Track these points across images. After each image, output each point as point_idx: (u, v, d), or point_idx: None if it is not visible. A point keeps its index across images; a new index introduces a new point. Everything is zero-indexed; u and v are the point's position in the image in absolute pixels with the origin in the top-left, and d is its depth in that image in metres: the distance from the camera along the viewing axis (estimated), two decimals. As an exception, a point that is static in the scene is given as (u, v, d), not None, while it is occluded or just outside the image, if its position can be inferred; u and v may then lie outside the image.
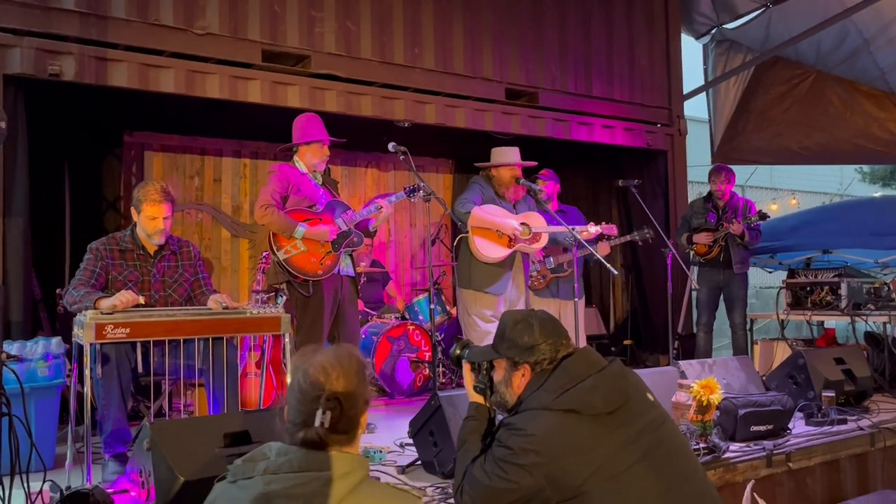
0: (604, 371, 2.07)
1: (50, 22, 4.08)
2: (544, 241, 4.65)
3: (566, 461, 1.92)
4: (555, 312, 5.41)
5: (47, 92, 4.36)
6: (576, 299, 4.80)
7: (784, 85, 7.66)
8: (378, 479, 1.67)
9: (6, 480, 2.30)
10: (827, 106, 7.64)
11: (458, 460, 2.22)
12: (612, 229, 5.08)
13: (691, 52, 7.47)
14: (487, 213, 4.48)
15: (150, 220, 3.44)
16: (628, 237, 5.41)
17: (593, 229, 4.84)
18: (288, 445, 1.59)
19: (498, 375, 2.24)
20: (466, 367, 2.38)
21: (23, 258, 4.13)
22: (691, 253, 6.00)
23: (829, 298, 5.57)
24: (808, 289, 5.73)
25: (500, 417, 2.30)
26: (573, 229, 4.57)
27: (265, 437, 2.62)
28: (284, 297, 3.93)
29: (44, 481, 2.56)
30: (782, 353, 5.76)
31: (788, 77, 7.65)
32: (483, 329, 4.46)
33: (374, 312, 6.02)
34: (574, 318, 4.77)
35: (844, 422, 3.86)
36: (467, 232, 4.47)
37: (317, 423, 1.55)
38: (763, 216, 5.56)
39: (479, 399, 2.33)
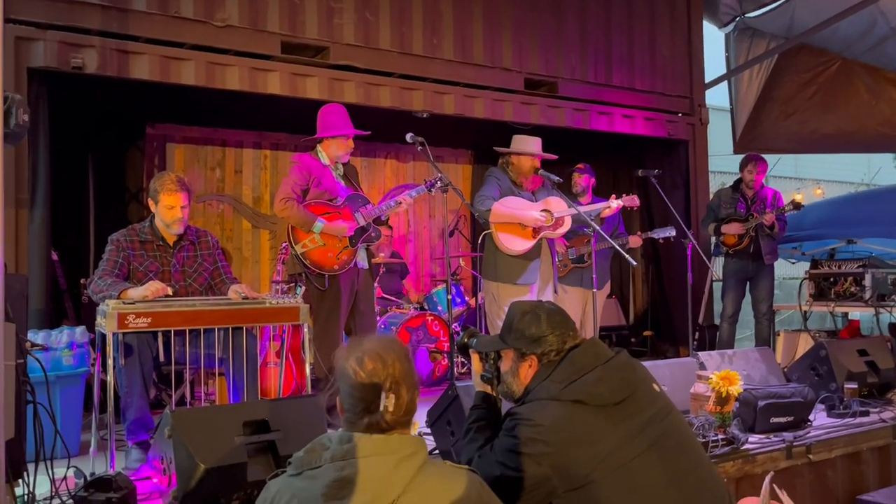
0: (610, 362, 2.08)
1: (73, 15, 4.12)
2: (568, 224, 4.63)
3: (573, 451, 1.92)
4: (581, 300, 5.42)
5: (70, 85, 4.41)
6: (594, 290, 4.79)
7: (809, 72, 7.54)
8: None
9: (31, 467, 2.35)
10: (853, 94, 7.51)
11: (463, 449, 2.23)
12: (634, 200, 5.05)
13: (712, 40, 7.37)
14: (508, 207, 4.47)
15: (168, 209, 3.48)
16: (657, 235, 5.41)
17: (615, 203, 4.84)
18: (350, 433, 1.62)
19: (505, 365, 2.25)
20: (474, 357, 2.39)
21: (45, 248, 4.20)
22: (713, 243, 5.94)
23: (853, 289, 5.49)
24: (832, 279, 5.66)
25: (506, 406, 2.31)
26: (596, 210, 4.58)
27: (284, 426, 2.66)
28: (304, 288, 3.96)
29: (68, 467, 2.62)
30: (805, 344, 5.70)
31: (813, 64, 7.53)
32: None
33: (395, 301, 6.05)
34: (594, 307, 4.76)
35: (867, 414, 3.82)
36: (490, 228, 4.47)
37: (381, 408, 1.60)
38: (797, 206, 5.49)
39: (486, 388, 2.34)
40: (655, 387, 2.12)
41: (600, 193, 6.58)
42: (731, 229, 5.66)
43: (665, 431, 2.00)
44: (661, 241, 5.51)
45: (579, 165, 5.51)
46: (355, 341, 1.73)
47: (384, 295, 6.01)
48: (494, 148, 4.76)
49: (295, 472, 1.59)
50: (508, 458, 1.98)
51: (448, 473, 1.62)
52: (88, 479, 2.47)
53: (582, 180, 5.47)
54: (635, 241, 5.32)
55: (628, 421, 1.97)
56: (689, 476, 1.97)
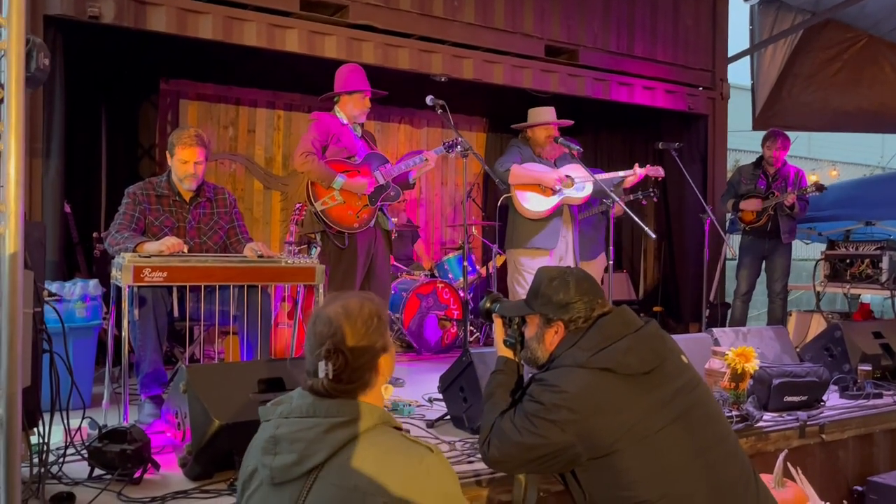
0: (640, 331, 2.04)
1: (90, -37, 4.04)
2: (589, 189, 4.61)
3: (599, 419, 1.90)
4: (597, 272, 5.39)
5: (86, 35, 4.34)
6: (577, 261, 4.76)
7: (833, 48, 7.38)
8: (402, 429, 1.65)
9: (46, 416, 2.35)
10: (877, 72, 7.38)
11: (485, 413, 2.22)
12: (659, 170, 4.98)
13: (736, 13, 7.21)
14: (527, 169, 4.49)
15: (182, 163, 3.44)
16: (639, 195, 5.28)
17: (640, 170, 4.80)
18: (304, 392, 1.61)
19: (530, 331, 2.22)
20: (497, 321, 2.36)
21: (59, 199, 4.18)
22: (729, 220, 5.88)
23: (869, 271, 5.44)
24: (848, 261, 5.60)
25: (527, 373, 2.28)
26: (619, 176, 4.54)
27: (297, 385, 2.64)
28: (318, 249, 3.94)
29: (83, 418, 2.62)
30: (817, 325, 5.67)
31: (839, 40, 7.37)
32: None
33: (403, 268, 6.02)
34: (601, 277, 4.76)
35: (880, 396, 3.80)
36: (509, 192, 4.45)
37: (321, 374, 1.56)
38: (820, 188, 5.41)
39: (509, 353, 2.31)
40: (683, 358, 2.09)
41: (617, 165, 6.48)
42: (750, 205, 5.59)
43: (693, 403, 1.98)
44: (643, 201, 5.36)
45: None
46: (329, 298, 1.68)
47: (395, 261, 5.98)
48: (512, 126, 4.73)
49: (261, 419, 1.64)
50: (532, 424, 1.96)
51: (392, 447, 1.53)
52: (103, 430, 2.46)
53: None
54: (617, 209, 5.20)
55: (656, 391, 1.94)
56: (715, 449, 1.95)
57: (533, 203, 4.46)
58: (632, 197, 5.41)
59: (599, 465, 1.91)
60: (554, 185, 4.47)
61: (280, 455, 1.53)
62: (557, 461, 1.96)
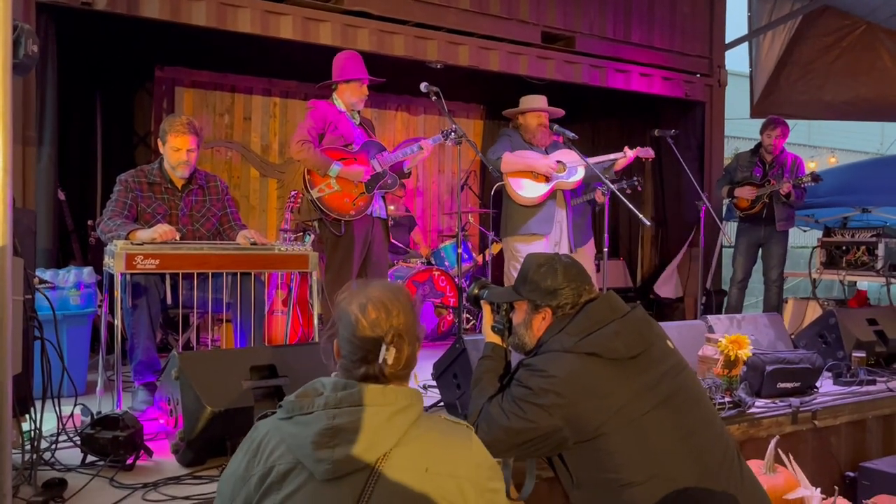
0: (627, 316, 2.05)
1: (82, -51, 4.01)
2: (581, 174, 4.62)
3: (586, 403, 1.91)
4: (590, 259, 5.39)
5: (80, 22, 4.31)
6: (572, 249, 4.75)
7: (831, 36, 7.35)
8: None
9: (38, 403, 2.35)
10: (875, 60, 7.33)
11: (472, 398, 2.23)
12: (648, 151, 4.96)
13: (732, 3, 7.17)
14: (519, 156, 4.51)
15: (175, 151, 3.43)
16: (623, 185, 5.18)
17: (630, 153, 4.79)
18: (345, 380, 1.56)
19: (518, 317, 2.22)
20: (485, 307, 2.37)
21: (52, 187, 4.17)
22: (725, 207, 5.87)
23: (864, 258, 5.44)
24: (844, 248, 5.60)
25: (515, 358, 2.29)
26: (609, 160, 4.55)
27: (291, 372, 2.65)
28: (312, 237, 3.94)
29: (75, 405, 2.62)
30: (813, 312, 5.68)
31: (836, 28, 7.33)
32: None
33: (399, 256, 6.02)
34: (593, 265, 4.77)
35: (873, 382, 3.81)
36: (502, 180, 4.45)
37: (380, 360, 1.54)
38: (816, 178, 5.39)
39: (497, 339, 2.32)
40: (669, 343, 2.10)
41: (611, 151, 6.46)
42: (744, 193, 5.58)
43: (678, 388, 1.99)
44: (627, 190, 5.26)
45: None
46: (361, 285, 1.65)
47: (392, 248, 5.98)
48: (504, 112, 4.73)
49: (285, 416, 1.53)
50: (520, 408, 1.97)
51: (444, 428, 1.56)
52: (95, 417, 2.47)
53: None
54: (599, 196, 5.16)
55: (642, 375, 1.95)
56: (700, 433, 1.96)
57: (527, 190, 4.47)
58: (615, 187, 5.35)
59: (587, 448, 1.92)
60: (547, 171, 4.48)
61: (341, 446, 1.46)
62: (545, 445, 1.97)
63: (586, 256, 5.28)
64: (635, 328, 2.02)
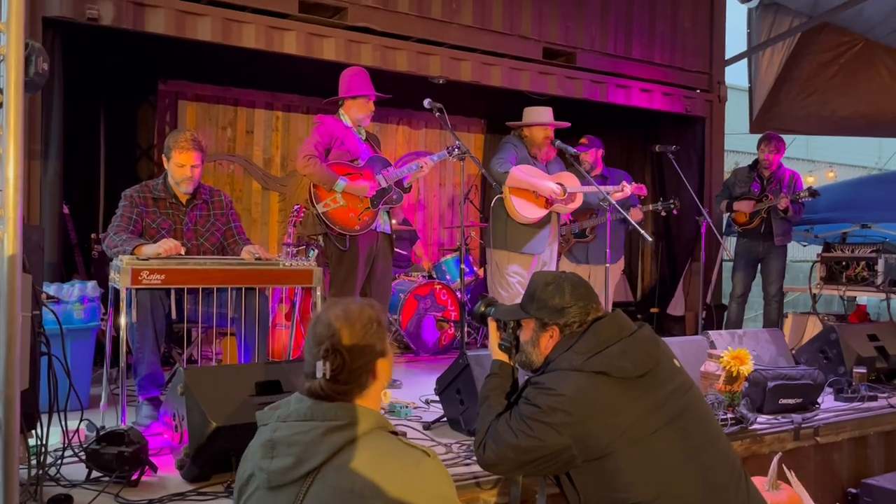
0: (634, 335, 2.07)
1: (88, -35, 4.05)
2: (579, 201, 4.63)
3: (594, 422, 1.92)
4: (585, 276, 5.40)
5: (84, 36, 4.35)
6: (607, 265, 4.76)
7: (830, 52, 7.40)
8: (398, 433, 1.65)
9: (44, 418, 2.36)
10: (874, 76, 7.39)
11: (480, 416, 2.24)
12: (642, 189, 5.02)
13: (733, 16, 7.23)
14: (525, 174, 4.47)
15: (179, 167, 3.45)
16: (658, 206, 5.33)
17: (628, 188, 4.81)
18: (302, 395, 1.62)
19: (525, 335, 2.23)
20: (492, 325, 2.38)
21: (57, 201, 4.18)
22: (725, 222, 5.89)
23: (864, 274, 5.46)
24: (844, 263, 5.62)
25: (521, 375, 2.30)
26: (606, 191, 4.55)
27: (296, 388, 2.66)
28: (316, 252, 3.96)
29: (80, 420, 2.63)
30: (813, 327, 5.69)
31: (835, 44, 7.39)
32: (516, 290, 4.46)
33: (401, 269, 6.04)
34: (604, 282, 4.74)
35: (875, 398, 3.82)
36: (502, 193, 4.44)
37: (318, 374, 1.57)
38: (814, 193, 5.42)
39: (503, 357, 2.34)
40: (676, 362, 2.11)
41: (613, 167, 6.49)
42: (742, 206, 5.61)
43: (685, 406, 2.00)
44: (662, 213, 5.41)
45: (583, 140, 5.39)
46: (330, 303, 1.70)
47: (393, 262, 5.99)
48: (507, 123, 4.73)
49: (259, 423, 1.65)
50: (528, 427, 1.97)
51: (389, 450, 1.55)
52: (100, 432, 2.47)
53: (588, 157, 5.34)
54: (636, 214, 5.22)
55: (650, 394, 1.97)
56: (706, 452, 1.97)
57: (526, 210, 4.45)
58: (651, 207, 5.44)
59: (594, 467, 1.93)
60: (550, 195, 4.45)
61: (277, 458, 1.54)
62: (553, 463, 1.98)
63: (616, 272, 5.36)
64: (642, 347, 2.04)
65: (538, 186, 4.45)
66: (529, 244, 4.49)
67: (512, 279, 4.48)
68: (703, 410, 2.07)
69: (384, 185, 4.09)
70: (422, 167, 4.15)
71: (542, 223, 4.53)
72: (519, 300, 4.61)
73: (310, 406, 1.57)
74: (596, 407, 1.93)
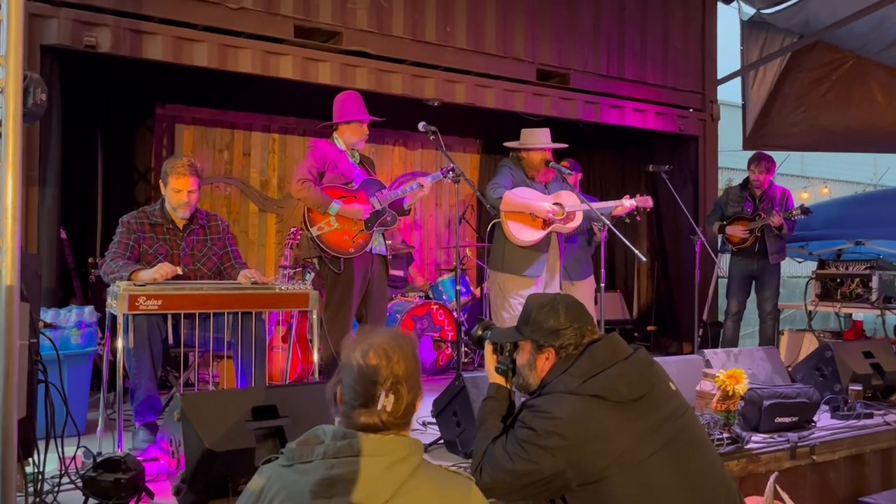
0: (630, 359, 2.07)
1: (87, -7, 4.10)
2: (579, 219, 4.60)
3: (590, 446, 1.93)
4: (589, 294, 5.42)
5: (82, 62, 4.40)
6: (571, 282, 4.75)
7: (822, 69, 7.47)
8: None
9: (41, 444, 2.36)
10: (866, 93, 7.46)
11: (477, 440, 2.24)
12: (648, 201, 4.97)
13: (725, 33, 7.32)
14: (519, 197, 4.43)
15: (176, 192, 3.48)
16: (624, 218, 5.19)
17: (628, 203, 4.79)
18: (344, 429, 1.57)
19: (522, 358, 2.24)
20: (488, 348, 2.39)
21: (55, 227, 4.21)
22: (720, 240, 5.93)
23: (859, 291, 5.49)
24: (839, 280, 5.65)
25: (518, 398, 2.31)
26: (609, 207, 4.59)
27: (293, 412, 2.67)
28: (312, 274, 3.98)
29: (77, 447, 2.63)
30: (809, 344, 5.71)
31: (827, 61, 7.46)
32: (518, 312, 4.43)
33: (399, 288, 6.05)
34: (594, 300, 4.75)
35: (871, 416, 3.82)
36: (499, 217, 4.44)
37: (379, 407, 1.55)
38: (806, 211, 5.46)
39: (500, 380, 2.34)
40: (672, 385, 2.12)
41: (608, 187, 6.56)
42: (735, 231, 5.64)
43: (680, 431, 2.01)
44: (626, 219, 5.25)
45: (564, 164, 5.42)
46: (364, 332, 1.69)
47: (390, 282, 6.01)
48: (505, 144, 4.73)
49: (286, 463, 1.55)
50: (524, 450, 1.98)
51: (442, 479, 1.56)
52: (97, 458, 2.48)
53: (570, 179, 5.36)
54: (597, 231, 5.22)
55: (645, 418, 1.97)
56: (701, 476, 1.97)
57: (523, 233, 4.43)
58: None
59: (589, 492, 1.94)
60: (545, 215, 4.43)
61: (338, 497, 1.47)
62: (548, 488, 1.99)
63: (586, 290, 5.28)
64: (637, 370, 2.04)
65: (533, 208, 4.43)
66: (530, 267, 4.47)
67: (514, 301, 4.47)
68: (697, 435, 2.08)
69: (378, 207, 4.12)
70: (422, 186, 4.18)
71: (541, 246, 4.51)
72: None
73: (365, 440, 1.53)
74: (591, 430, 1.94)
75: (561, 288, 4.72)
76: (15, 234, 2.00)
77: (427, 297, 5.98)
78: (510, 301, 4.47)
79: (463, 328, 5.61)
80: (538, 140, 4.58)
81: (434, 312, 5.62)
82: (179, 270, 3.29)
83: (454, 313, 5.41)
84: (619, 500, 1.90)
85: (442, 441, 3.27)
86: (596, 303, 5.46)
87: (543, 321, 2.16)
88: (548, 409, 2.01)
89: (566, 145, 4.77)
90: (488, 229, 4.66)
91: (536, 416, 2.02)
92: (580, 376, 2.02)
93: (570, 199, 4.57)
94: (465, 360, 5.88)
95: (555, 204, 4.50)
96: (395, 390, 1.57)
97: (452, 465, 2.92)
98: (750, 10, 7.46)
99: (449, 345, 5.59)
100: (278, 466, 1.57)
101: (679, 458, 1.96)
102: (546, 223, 4.48)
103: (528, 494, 2.05)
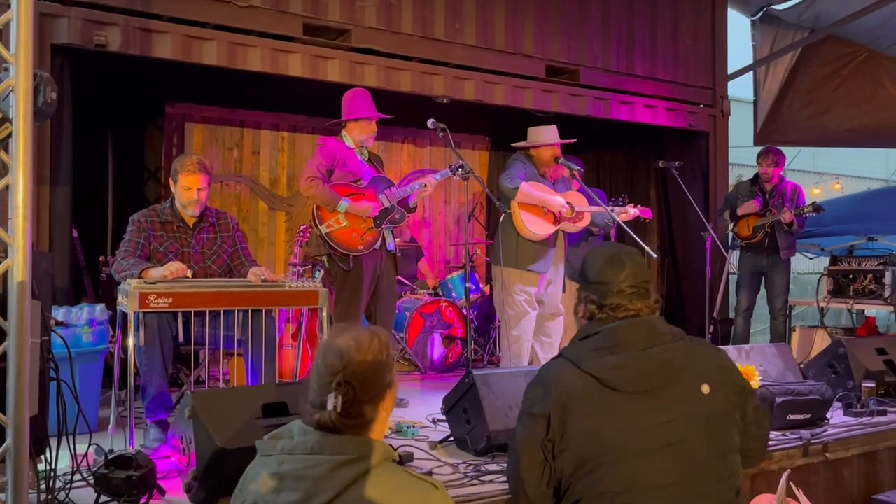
0: (647, 351, 1.95)
1: (96, -8, 4.12)
2: (587, 220, 4.64)
3: (579, 421, 1.88)
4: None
5: (92, 61, 4.41)
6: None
7: (833, 64, 7.42)
8: (400, 459, 1.63)
9: (53, 442, 2.38)
10: (877, 87, 7.40)
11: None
12: (648, 213, 5.01)
13: (736, 30, 7.27)
14: (535, 189, 4.47)
15: (186, 190, 3.49)
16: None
17: (633, 211, 4.81)
18: (304, 426, 1.58)
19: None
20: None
21: (68, 226, 4.23)
22: (731, 236, 5.89)
23: (872, 287, 5.45)
24: (851, 276, 5.61)
25: None
26: (612, 210, 4.56)
27: (302, 409, 2.67)
28: (322, 272, 3.98)
29: (89, 444, 2.64)
30: (821, 341, 5.67)
31: (838, 55, 7.40)
32: (522, 308, 4.47)
33: (408, 285, 6.05)
34: None
35: (884, 413, 3.79)
36: (509, 210, 4.45)
37: (329, 407, 1.52)
38: (818, 209, 5.41)
39: None
40: (704, 388, 1.95)
41: (618, 184, 6.53)
42: (747, 209, 5.58)
43: (692, 437, 1.89)
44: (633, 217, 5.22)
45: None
46: (337, 330, 1.65)
47: (399, 279, 6.02)
48: (513, 144, 4.75)
49: (260, 454, 1.60)
50: (522, 425, 1.98)
51: (398, 484, 1.51)
52: (108, 456, 2.49)
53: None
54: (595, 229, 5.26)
55: (646, 415, 1.89)
56: (697, 491, 1.87)
57: (535, 226, 4.45)
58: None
59: (583, 477, 1.89)
60: (559, 210, 4.46)
61: (285, 493, 1.50)
62: (536, 456, 1.94)
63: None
64: (645, 367, 1.94)
65: (548, 201, 4.47)
66: (537, 263, 4.48)
67: (518, 297, 4.47)
68: (710, 448, 1.91)
69: (387, 204, 4.12)
70: (426, 186, 4.17)
71: (549, 242, 4.53)
72: (525, 319, 4.57)
73: (318, 439, 1.53)
74: (581, 407, 1.88)
75: (565, 287, 4.73)
76: (26, 233, 2.00)
77: (436, 294, 5.98)
78: (514, 297, 4.47)
79: (472, 325, 5.62)
80: (546, 137, 4.60)
81: (443, 310, 5.62)
82: (189, 273, 3.30)
83: (463, 310, 5.41)
84: (601, 486, 1.86)
85: (452, 438, 3.27)
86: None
87: (589, 264, 2.07)
88: (546, 374, 2.00)
89: (574, 140, 4.77)
90: (500, 222, 4.63)
91: (533, 386, 2.01)
92: (591, 350, 1.96)
93: (580, 201, 4.61)
94: (475, 358, 5.88)
95: (567, 203, 4.53)
96: (343, 391, 1.53)
97: (462, 463, 2.93)
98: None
99: (458, 342, 5.59)
100: (258, 458, 1.62)
101: (677, 465, 1.86)
102: (557, 219, 4.49)
103: (537, 472, 1.95)
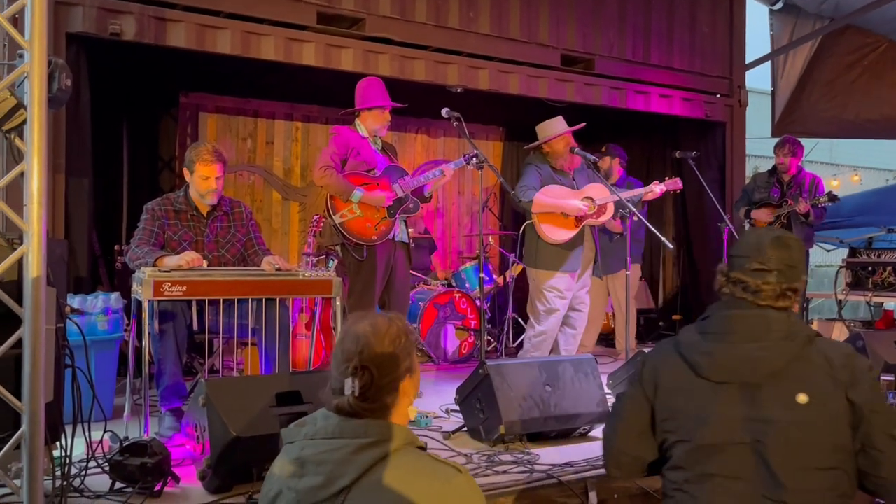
0: (747, 345, 1.84)
1: (111, -19, 4.12)
2: (611, 211, 4.62)
3: (666, 399, 1.93)
4: (602, 291, 5.46)
5: (107, 51, 4.42)
6: (627, 272, 4.72)
7: (853, 54, 7.32)
8: (425, 448, 1.63)
9: (68, 429, 2.39)
10: (897, 78, 7.30)
11: None
12: (677, 183, 4.92)
13: (754, 19, 7.17)
14: (550, 197, 4.47)
15: (203, 179, 3.49)
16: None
17: (658, 188, 4.78)
18: (325, 412, 1.59)
19: None
20: None
21: (85, 215, 4.25)
22: (747, 227, 5.83)
23: (891, 279, 5.37)
24: (870, 269, 5.54)
25: None
26: (637, 194, 4.58)
27: (316, 398, 2.67)
28: (335, 261, 3.98)
29: (104, 431, 2.66)
30: (839, 334, 5.61)
31: (858, 46, 7.30)
32: (552, 305, 4.53)
33: (422, 277, 6.04)
34: (626, 289, 4.72)
35: (904, 407, 3.74)
36: (531, 218, 4.47)
37: (347, 392, 1.54)
38: (833, 198, 5.34)
39: None
40: (801, 397, 1.79)
41: (634, 174, 6.47)
42: (760, 215, 5.53)
43: (765, 441, 1.79)
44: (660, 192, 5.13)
45: (603, 149, 5.43)
46: (356, 317, 1.66)
47: (412, 270, 6.01)
48: (524, 147, 4.73)
49: (285, 442, 1.61)
50: (629, 384, 2.09)
51: (421, 467, 1.52)
52: (123, 443, 2.50)
53: (603, 164, 5.45)
54: (616, 226, 5.31)
55: (724, 406, 1.83)
56: (766, 494, 1.78)
57: (556, 234, 4.50)
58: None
59: (674, 450, 1.93)
60: (578, 213, 4.46)
61: (306, 477, 1.51)
62: (646, 418, 1.98)
63: (618, 282, 5.32)
64: (731, 359, 1.85)
65: (565, 208, 4.48)
66: (565, 264, 4.53)
67: (550, 293, 4.54)
68: (795, 456, 1.78)
69: (401, 194, 4.11)
70: (444, 173, 4.16)
71: (575, 242, 4.54)
72: (554, 316, 4.68)
73: (338, 423, 1.54)
74: (667, 382, 1.94)
75: (601, 277, 4.75)
76: (41, 219, 2.00)
77: (450, 285, 5.96)
78: (546, 293, 4.53)
79: (486, 316, 5.61)
80: (555, 128, 4.59)
81: (457, 301, 5.61)
82: (204, 262, 3.30)
83: (477, 301, 5.40)
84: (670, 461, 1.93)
85: (466, 428, 3.26)
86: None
87: (741, 241, 2.04)
88: (652, 354, 2.05)
89: (583, 125, 4.71)
90: (520, 232, 4.67)
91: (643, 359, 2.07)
92: (693, 334, 1.95)
93: (600, 192, 4.57)
94: (489, 349, 5.87)
95: (585, 199, 4.51)
96: (360, 375, 1.54)
97: (476, 453, 2.92)
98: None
99: (472, 333, 5.57)
100: (284, 444, 1.63)
101: (757, 465, 1.79)
102: (578, 220, 4.50)
103: (636, 436, 1.98)
